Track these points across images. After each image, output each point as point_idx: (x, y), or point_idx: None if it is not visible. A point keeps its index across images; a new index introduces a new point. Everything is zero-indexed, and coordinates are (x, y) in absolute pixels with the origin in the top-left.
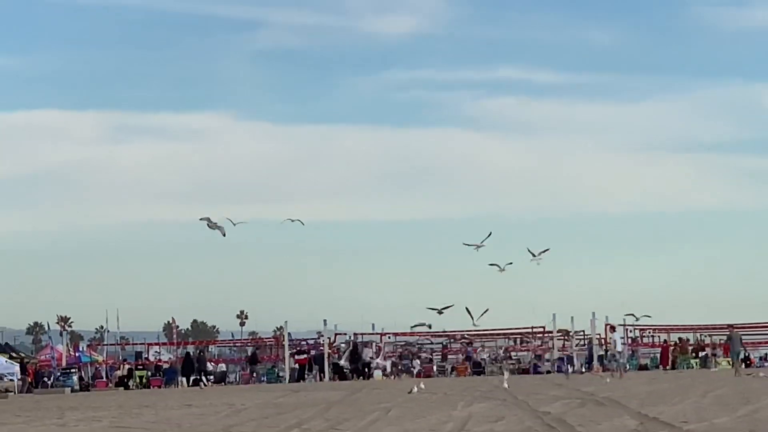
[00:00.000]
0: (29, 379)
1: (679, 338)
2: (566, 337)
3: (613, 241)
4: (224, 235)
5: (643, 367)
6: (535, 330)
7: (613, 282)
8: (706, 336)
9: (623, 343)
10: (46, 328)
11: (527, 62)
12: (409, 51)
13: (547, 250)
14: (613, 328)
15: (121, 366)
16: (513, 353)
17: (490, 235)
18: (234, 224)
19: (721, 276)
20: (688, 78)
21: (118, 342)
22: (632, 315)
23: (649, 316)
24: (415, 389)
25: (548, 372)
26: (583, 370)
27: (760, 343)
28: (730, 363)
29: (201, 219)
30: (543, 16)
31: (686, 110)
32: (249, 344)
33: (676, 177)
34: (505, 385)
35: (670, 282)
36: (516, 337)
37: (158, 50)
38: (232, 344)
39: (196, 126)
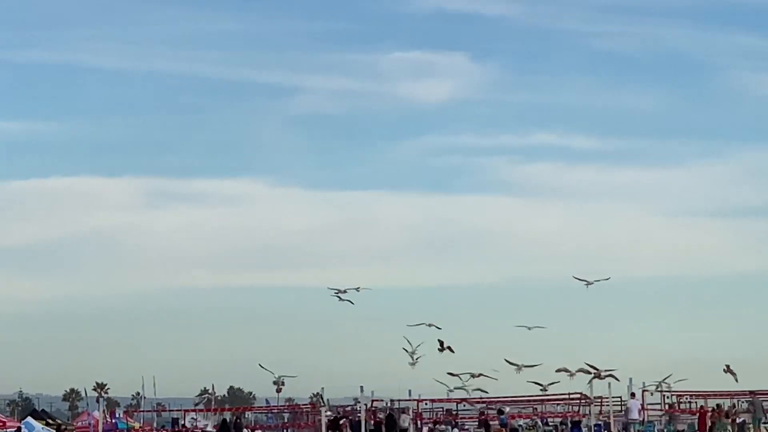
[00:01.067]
0: None
1: (717, 404)
2: (602, 403)
3: (651, 305)
4: (353, 303)
5: None
6: (572, 396)
7: (651, 347)
8: (743, 402)
9: (641, 410)
10: (83, 395)
11: (563, 127)
12: (445, 116)
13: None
14: (633, 395)
15: None
16: (550, 419)
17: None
18: (358, 290)
19: (760, 341)
20: (725, 142)
21: (155, 408)
22: (662, 381)
23: (664, 382)
24: None
25: None
26: None
27: None
28: (752, 429)
29: (330, 289)
30: (578, 80)
31: (723, 175)
32: (285, 410)
33: (713, 241)
34: None
35: (708, 347)
36: (553, 403)
37: (194, 115)
38: (268, 410)
39: (231, 192)
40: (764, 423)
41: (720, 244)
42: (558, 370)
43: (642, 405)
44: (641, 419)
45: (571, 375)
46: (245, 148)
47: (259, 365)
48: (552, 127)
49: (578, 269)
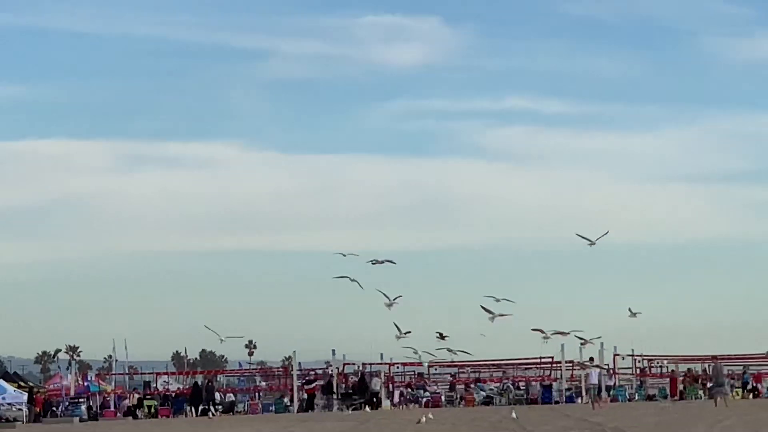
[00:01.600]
0: (37, 409)
1: (688, 369)
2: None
3: (623, 271)
4: (362, 287)
5: (651, 398)
6: (543, 360)
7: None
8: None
9: (604, 374)
10: (55, 358)
11: (536, 92)
12: (419, 80)
13: (508, 314)
14: (592, 360)
15: (130, 395)
16: (521, 383)
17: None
18: (344, 255)
19: (731, 306)
20: (697, 108)
21: (127, 371)
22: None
23: (579, 334)
24: (424, 419)
25: (557, 402)
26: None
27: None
28: (711, 395)
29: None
30: (551, 45)
31: (695, 140)
32: (257, 373)
33: (685, 207)
34: (514, 416)
35: (679, 312)
36: (525, 367)
37: (168, 79)
38: (240, 374)
39: (205, 155)
40: (726, 390)
41: (692, 209)
42: (534, 330)
43: (613, 370)
44: (601, 384)
45: (546, 337)
46: (219, 112)
47: (205, 326)
48: (525, 91)
49: (549, 234)
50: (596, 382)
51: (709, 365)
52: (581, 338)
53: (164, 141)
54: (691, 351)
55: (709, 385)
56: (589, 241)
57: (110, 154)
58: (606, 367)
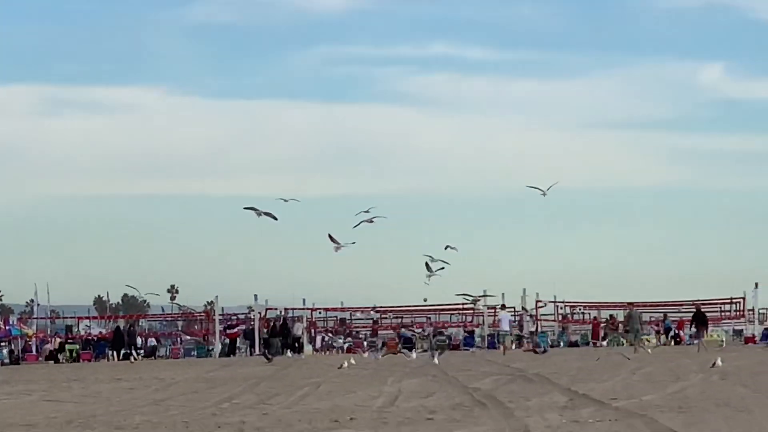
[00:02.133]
0: None
1: (610, 315)
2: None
3: (546, 219)
4: (276, 219)
5: (574, 344)
6: (465, 306)
7: (545, 259)
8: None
9: (512, 322)
10: None
11: (459, 38)
12: (342, 26)
13: (442, 268)
14: (503, 307)
15: (52, 340)
16: (444, 329)
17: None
18: (286, 201)
19: (655, 253)
20: (624, 54)
21: (49, 316)
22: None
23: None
24: (346, 364)
25: (479, 348)
26: (514, 347)
27: (689, 320)
28: (629, 341)
29: (246, 209)
30: None
31: (622, 87)
32: (179, 318)
33: (607, 154)
34: (436, 361)
35: (602, 259)
36: (447, 313)
37: (89, 23)
38: (162, 318)
39: (128, 100)
40: (642, 335)
41: (619, 156)
42: (458, 295)
43: (536, 316)
44: (512, 331)
45: (474, 301)
46: (141, 57)
47: (126, 285)
48: (448, 38)
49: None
50: (507, 328)
51: (625, 311)
52: (469, 295)
53: (86, 86)
54: (613, 298)
55: (625, 330)
56: (541, 191)
57: (31, 99)
58: (523, 313)
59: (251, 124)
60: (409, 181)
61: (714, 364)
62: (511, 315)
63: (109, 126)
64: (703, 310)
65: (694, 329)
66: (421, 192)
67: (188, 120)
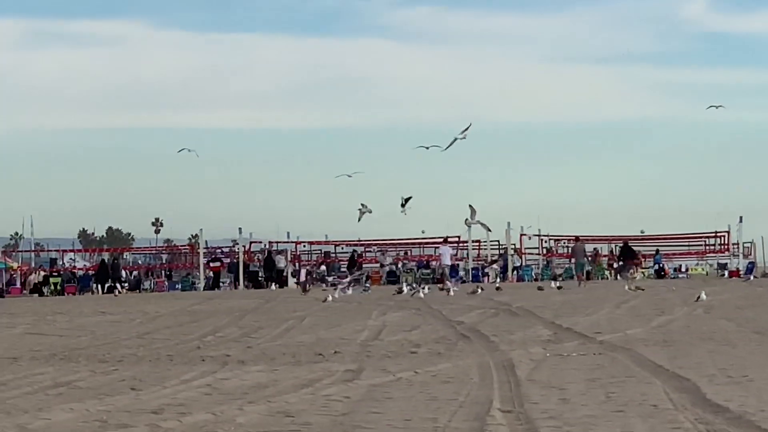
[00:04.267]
0: None
1: (594, 249)
2: (480, 248)
3: (530, 152)
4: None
5: (558, 277)
6: (450, 239)
7: (530, 193)
8: (619, 246)
9: (453, 256)
10: None
11: None
12: None
13: (409, 198)
14: (445, 240)
15: (36, 273)
16: (428, 262)
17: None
18: (427, 148)
19: (638, 187)
20: None
21: (33, 249)
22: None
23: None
24: (330, 298)
25: (463, 282)
26: (498, 280)
27: (674, 254)
28: (575, 275)
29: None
30: None
31: (604, 20)
32: (164, 251)
33: (592, 88)
34: (420, 295)
35: (586, 193)
36: (431, 247)
37: None
38: (146, 251)
39: (109, 33)
40: (586, 268)
41: (601, 90)
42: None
43: (521, 250)
44: (453, 264)
45: (469, 225)
46: None
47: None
48: None
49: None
50: (448, 263)
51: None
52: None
53: (68, 19)
54: (599, 232)
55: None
56: (456, 138)
57: (14, 32)
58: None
59: (231, 57)
60: (390, 113)
61: (698, 297)
62: (452, 249)
63: (92, 59)
64: (630, 244)
65: (621, 263)
66: (404, 124)
67: (168, 53)
